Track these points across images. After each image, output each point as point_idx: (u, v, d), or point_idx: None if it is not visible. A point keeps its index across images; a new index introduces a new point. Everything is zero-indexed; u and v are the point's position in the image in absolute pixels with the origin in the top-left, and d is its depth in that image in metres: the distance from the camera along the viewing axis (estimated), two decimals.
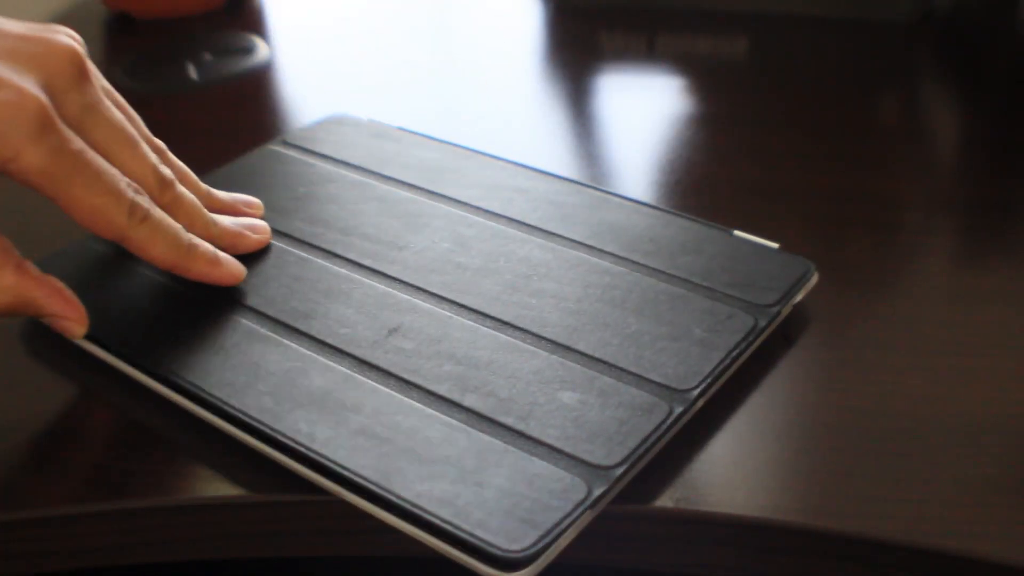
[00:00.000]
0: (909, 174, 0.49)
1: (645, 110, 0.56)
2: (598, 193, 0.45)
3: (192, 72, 0.61)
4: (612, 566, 0.33)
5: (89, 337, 0.38)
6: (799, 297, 0.39)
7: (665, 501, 0.32)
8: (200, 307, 0.39)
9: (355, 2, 0.71)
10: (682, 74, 0.60)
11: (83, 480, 0.34)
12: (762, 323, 0.37)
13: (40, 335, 0.40)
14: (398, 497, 0.30)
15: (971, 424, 0.34)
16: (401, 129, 0.51)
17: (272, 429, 0.33)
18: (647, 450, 0.32)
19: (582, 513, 0.30)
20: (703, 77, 0.59)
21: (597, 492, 0.30)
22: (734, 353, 0.35)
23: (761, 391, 0.36)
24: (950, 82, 0.59)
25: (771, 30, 0.65)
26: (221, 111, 0.57)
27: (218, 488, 0.33)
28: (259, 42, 0.64)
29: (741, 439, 0.34)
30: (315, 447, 0.32)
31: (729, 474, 0.33)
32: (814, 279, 0.39)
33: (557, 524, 0.29)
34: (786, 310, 0.38)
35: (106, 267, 0.42)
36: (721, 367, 0.35)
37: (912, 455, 0.33)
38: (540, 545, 0.29)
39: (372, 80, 0.60)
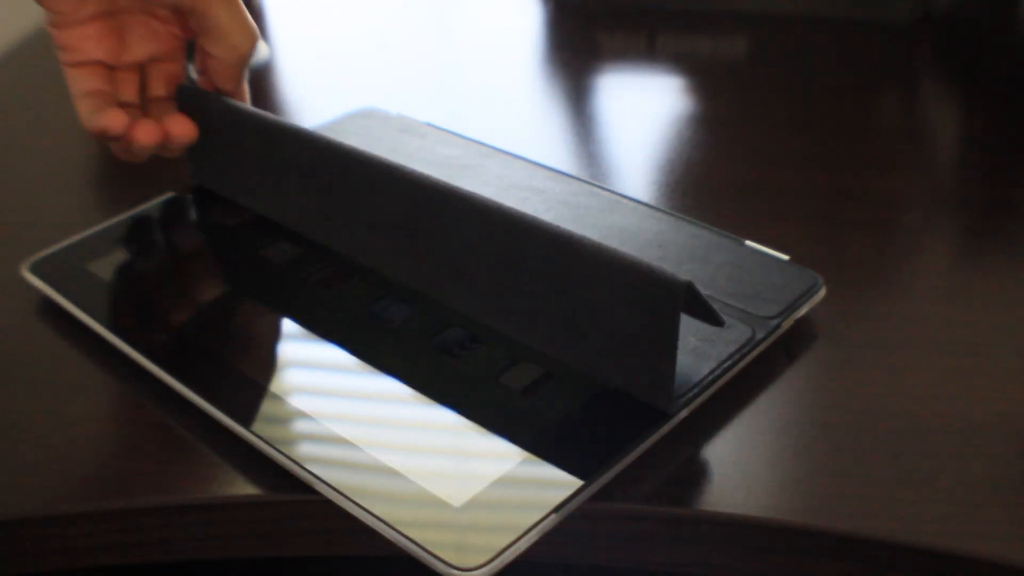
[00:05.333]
0: (909, 174, 0.49)
1: (645, 110, 0.56)
2: (613, 196, 0.45)
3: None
4: (612, 566, 0.33)
5: (107, 326, 0.38)
6: (803, 311, 0.38)
7: (665, 501, 0.32)
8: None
9: (355, 3, 0.71)
10: (682, 74, 0.60)
11: (83, 480, 0.34)
12: (759, 335, 0.36)
13: (40, 335, 0.40)
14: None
15: (971, 424, 0.34)
16: (429, 124, 0.51)
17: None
18: (621, 457, 0.32)
19: (564, 505, 0.30)
20: (703, 77, 0.59)
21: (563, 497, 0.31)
22: (726, 364, 0.35)
23: (761, 391, 0.36)
24: (950, 82, 0.59)
25: (771, 30, 0.65)
26: None
27: (218, 488, 0.33)
28: (259, 42, 0.64)
29: (741, 439, 0.34)
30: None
31: (729, 474, 0.33)
32: (821, 293, 0.38)
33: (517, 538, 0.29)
34: (787, 324, 0.37)
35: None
36: (711, 377, 0.34)
37: (912, 455, 0.33)
38: (499, 557, 0.29)
39: (371, 80, 0.60)
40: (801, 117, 0.54)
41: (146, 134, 0.42)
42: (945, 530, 0.31)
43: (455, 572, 0.28)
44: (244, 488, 0.33)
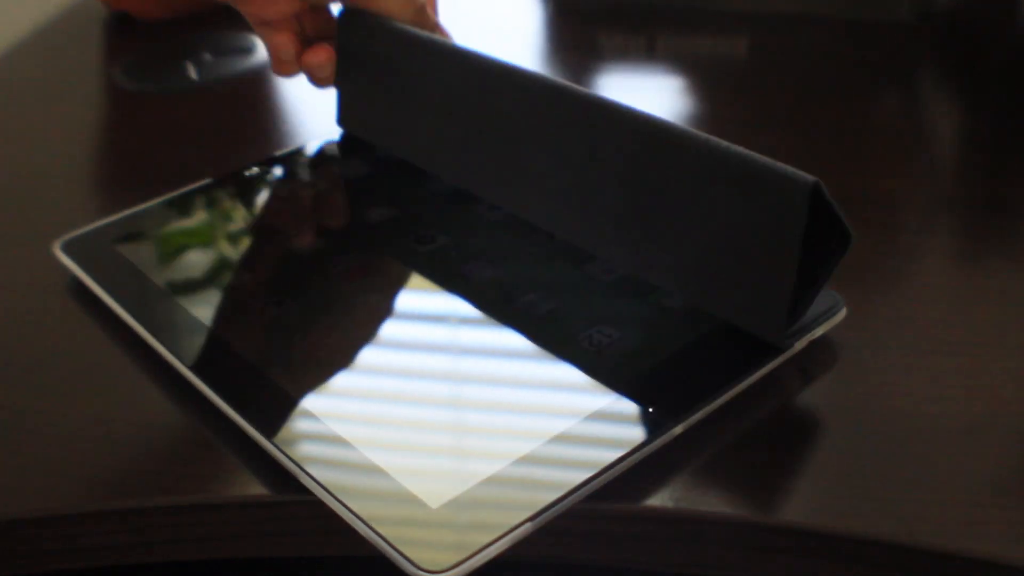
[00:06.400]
0: (909, 174, 0.49)
1: (645, 110, 0.56)
2: None
3: (192, 72, 0.61)
4: (612, 566, 0.33)
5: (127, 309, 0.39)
6: (819, 332, 0.37)
7: (665, 501, 0.32)
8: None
9: None
10: (682, 74, 0.60)
11: (83, 480, 0.34)
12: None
13: (39, 336, 0.40)
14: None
15: (971, 424, 0.34)
16: None
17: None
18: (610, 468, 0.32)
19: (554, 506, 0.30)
20: (703, 77, 0.59)
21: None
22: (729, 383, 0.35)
23: (759, 392, 0.36)
24: (950, 82, 0.59)
25: (771, 30, 0.65)
26: (221, 111, 0.57)
27: (219, 488, 0.33)
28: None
29: (740, 439, 0.34)
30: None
31: (729, 474, 0.33)
32: (840, 315, 0.37)
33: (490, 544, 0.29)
34: (801, 344, 0.36)
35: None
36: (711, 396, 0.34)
37: (912, 455, 0.33)
38: (468, 560, 0.29)
39: None
40: (801, 117, 0.54)
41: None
42: (945, 530, 0.31)
43: (419, 572, 0.28)
44: (244, 488, 0.33)
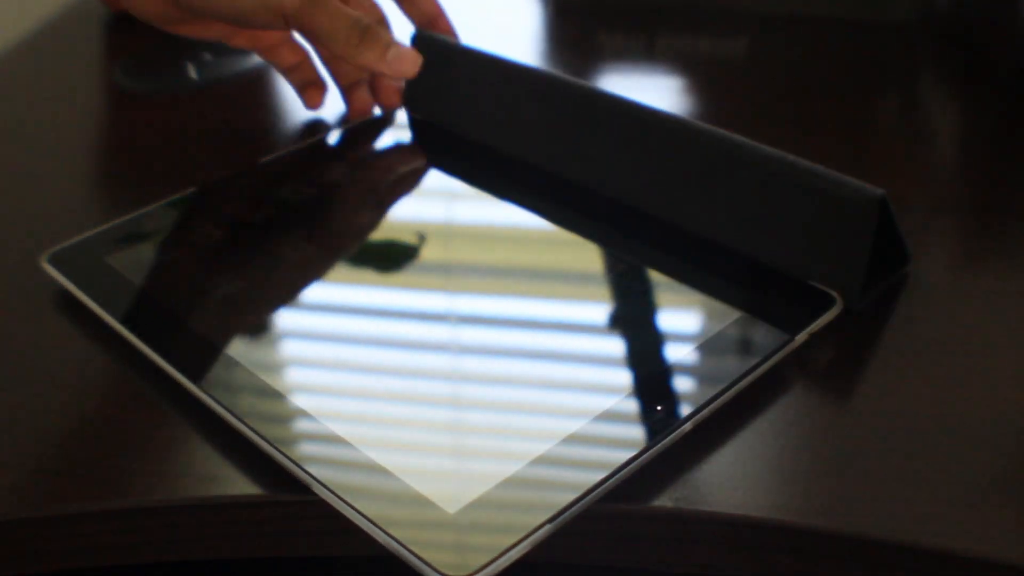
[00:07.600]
0: (909, 174, 0.49)
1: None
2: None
3: (192, 72, 0.61)
4: (612, 566, 0.33)
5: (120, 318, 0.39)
6: (819, 324, 0.37)
7: (665, 501, 0.32)
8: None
9: None
10: (682, 74, 0.60)
11: (83, 480, 0.34)
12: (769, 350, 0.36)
13: (39, 336, 0.40)
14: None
15: (971, 424, 0.34)
16: None
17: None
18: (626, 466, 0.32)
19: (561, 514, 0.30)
20: (703, 77, 0.59)
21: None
22: (733, 379, 0.35)
23: (759, 391, 0.36)
24: (950, 82, 0.59)
25: (771, 30, 0.65)
26: (221, 111, 0.57)
27: (219, 488, 0.33)
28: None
29: (741, 439, 0.34)
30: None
31: (729, 474, 0.33)
32: (835, 309, 0.38)
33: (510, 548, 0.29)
34: (801, 337, 0.36)
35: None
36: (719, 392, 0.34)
37: (912, 455, 0.33)
38: (493, 563, 0.29)
39: None
40: (801, 117, 0.54)
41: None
42: (945, 530, 0.31)
43: None
44: (244, 488, 0.33)
